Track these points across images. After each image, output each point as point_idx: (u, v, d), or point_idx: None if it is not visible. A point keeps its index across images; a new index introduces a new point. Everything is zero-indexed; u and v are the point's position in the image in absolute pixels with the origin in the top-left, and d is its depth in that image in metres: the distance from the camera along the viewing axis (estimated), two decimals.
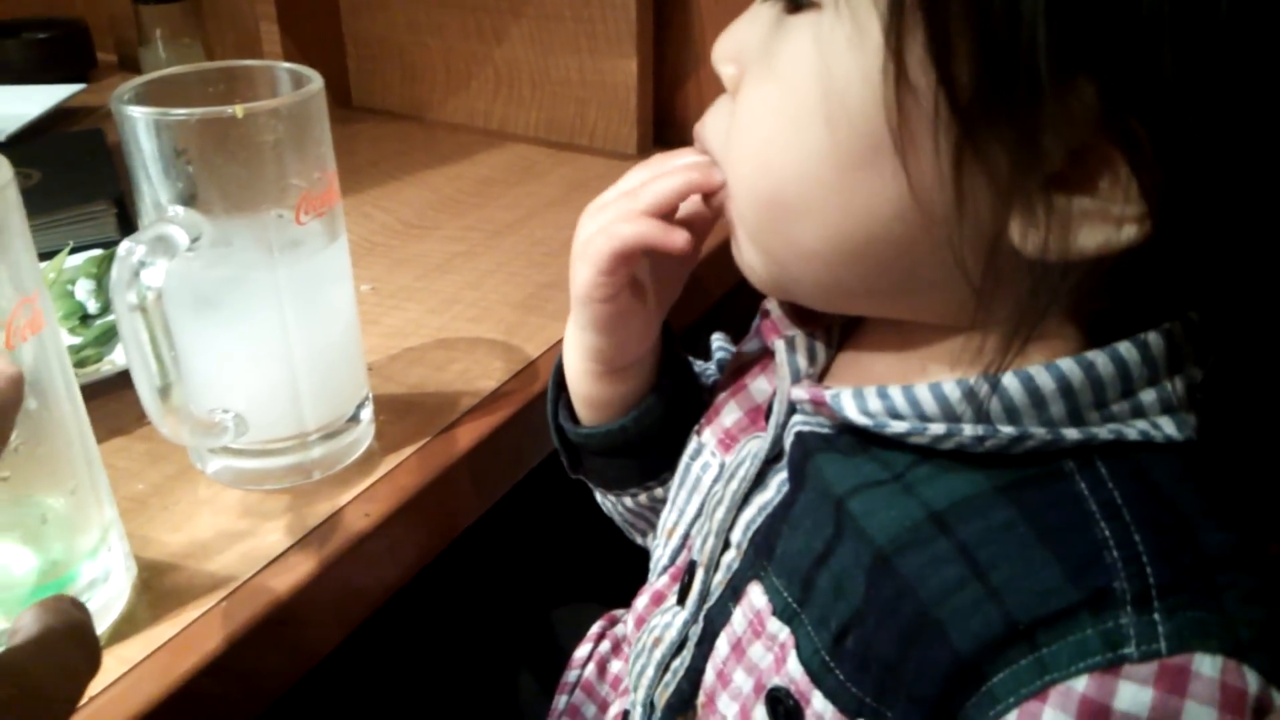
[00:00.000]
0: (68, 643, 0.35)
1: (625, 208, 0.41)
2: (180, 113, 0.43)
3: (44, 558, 0.41)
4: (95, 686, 0.40)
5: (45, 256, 0.68)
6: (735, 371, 0.46)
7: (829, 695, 0.33)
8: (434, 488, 0.53)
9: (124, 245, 0.41)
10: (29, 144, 0.94)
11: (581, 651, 0.56)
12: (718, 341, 0.54)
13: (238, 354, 0.49)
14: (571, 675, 0.55)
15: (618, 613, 0.59)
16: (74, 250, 0.69)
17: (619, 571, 0.73)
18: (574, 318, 0.46)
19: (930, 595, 0.31)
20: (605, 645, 0.56)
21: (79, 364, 0.57)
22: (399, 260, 0.76)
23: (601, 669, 0.55)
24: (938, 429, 0.33)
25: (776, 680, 0.35)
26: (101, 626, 0.43)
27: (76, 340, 0.60)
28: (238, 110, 0.43)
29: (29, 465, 0.39)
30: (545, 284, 0.72)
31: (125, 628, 0.43)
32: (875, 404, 0.34)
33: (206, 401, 0.48)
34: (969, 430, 0.32)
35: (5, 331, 0.36)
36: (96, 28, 1.22)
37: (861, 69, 0.31)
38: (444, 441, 0.55)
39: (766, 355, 0.45)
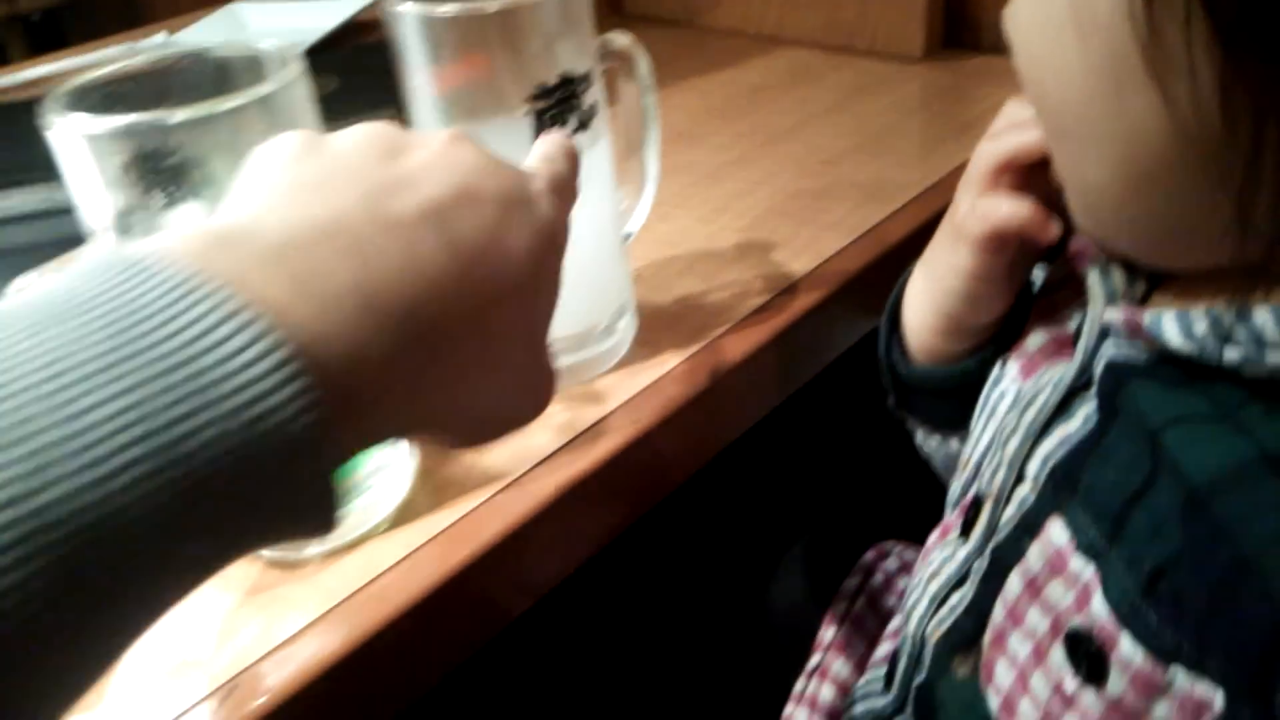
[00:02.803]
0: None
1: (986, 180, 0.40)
2: (447, 8, 0.43)
3: None
4: (378, 567, 0.42)
5: None
6: (1045, 297, 0.43)
7: (1140, 639, 0.30)
8: (699, 401, 0.51)
9: None
10: (330, 54, 1.00)
11: (851, 583, 0.54)
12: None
13: None
14: (840, 607, 0.53)
15: (888, 545, 0.56)
16: None
17: (887, 502, 0.70)
18: (938, 279, 0.44)
19: (1252, 543, 0.28)
20: (878, 578, 0.54)
21: None
22: (669, 168, 0.73)
23: (872, 603, 0.53)
24: None
25: (1077, 621, 0.32)
26: (385, 510, 0.45)
27: None
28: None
29: None
30: (819, 193, 0.68)
31: (406, 514, 0.45)
32: (1201, 327, 0.30)
33: None
34: None
35: None
36: None
37: None
38: (709, 354, 0.53)
39: (1080, 282, 0.40)
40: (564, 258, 0.35)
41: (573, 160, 0.37)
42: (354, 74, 0.87)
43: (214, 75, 0.39)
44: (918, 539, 0.57)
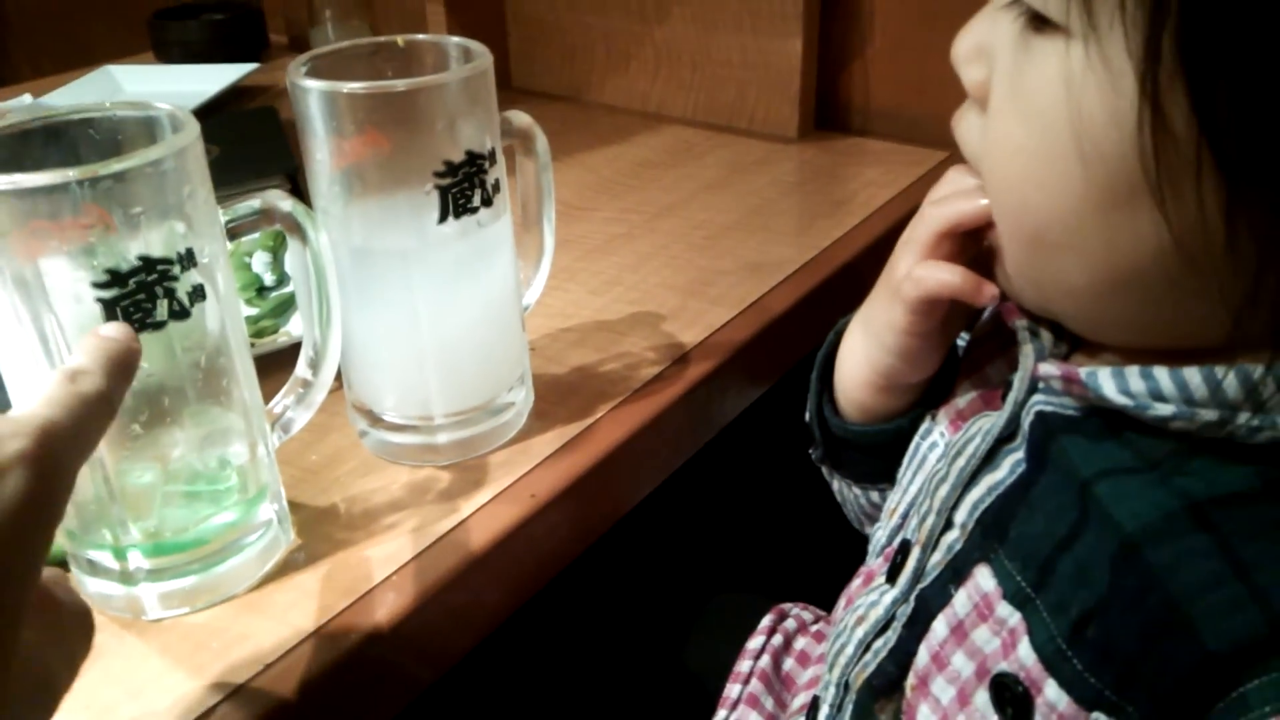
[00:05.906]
0: (75, 630, 0.32)
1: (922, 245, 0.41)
2: (353, 86, 0.43)
3: (216, 510, 0.42)
4: (269, 656, 0.41)
5: None
6: (972, 354, 0.45)
7: (1065, 685, 0.32)
8: (596, 472, 0.52)
9: None
10: (207, 121, 0.97)
11: (754, 643, 0.55)
12: None
13: (394, 330, 0.49)
14: (745, 665, 0.54)
15: (786, 606, 0.57)
16: None
17: (782, 563, 0.71)
18: (874, 337, 0.45)
19: (1181, 590, 0.30)
20: (778, 639, 0.55)
21: (256, 335, 0.58)
22: (559, 241, 0.74)
23: (776, 663, 0.54)
24: (1209, 415, 0.30)
25: (1004, 666, 0.34)
26: (257, 573, 0.43)
27: (253, 311, 0.61)
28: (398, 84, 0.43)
29: (210, 423, 0.39)
30: (705, 268, 0.70)
31: (296, 596, 0.43)
32: (1138, 384, 0.32)
33: (365, 372, 0.48)
34: (1244, 419, 0.30)
35: None
36: (269, 10, 1.27)
37: (1114, 112, 0.29)
38: (606, 425, 0.54)
39: (1004, 338, 0.43)
40: (46, 538, 0.28)
41: (111, 373, 0.32)
42: (237, 142, 0.86)
43: (107, 137, 0.38)
44: (815, 600, 0.58)
